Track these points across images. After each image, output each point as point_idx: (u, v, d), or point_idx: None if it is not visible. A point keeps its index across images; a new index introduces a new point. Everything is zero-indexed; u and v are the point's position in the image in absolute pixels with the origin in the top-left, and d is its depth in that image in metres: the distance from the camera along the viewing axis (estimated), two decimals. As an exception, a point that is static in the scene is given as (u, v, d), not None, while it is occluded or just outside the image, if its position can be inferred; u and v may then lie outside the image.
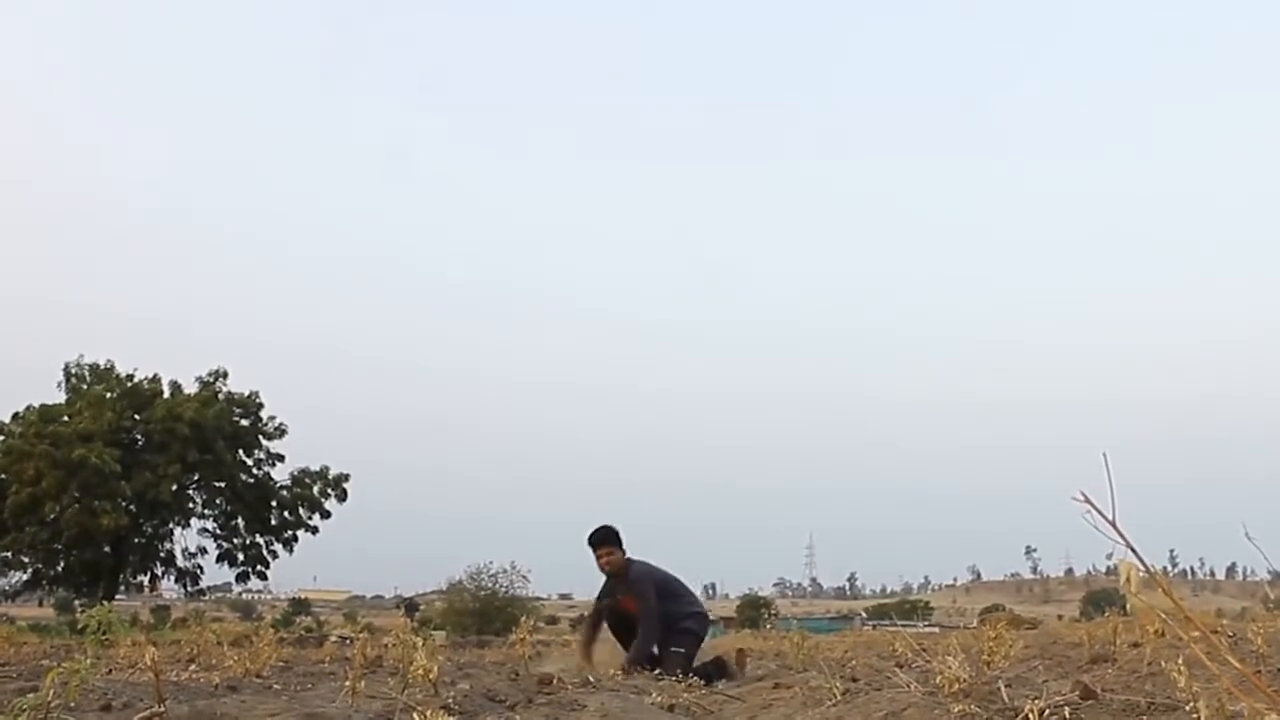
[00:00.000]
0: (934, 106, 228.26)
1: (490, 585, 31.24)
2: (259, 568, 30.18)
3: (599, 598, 7.13)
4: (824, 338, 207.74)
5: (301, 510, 29.85)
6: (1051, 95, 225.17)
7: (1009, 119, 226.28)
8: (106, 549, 27.30)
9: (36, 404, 27.61)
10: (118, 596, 29.62)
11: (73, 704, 3.33)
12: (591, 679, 5.32)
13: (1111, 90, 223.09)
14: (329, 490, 30.01)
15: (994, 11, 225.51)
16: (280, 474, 30.09)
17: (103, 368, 28.87)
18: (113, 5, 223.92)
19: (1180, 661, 2.70)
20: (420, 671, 3.98)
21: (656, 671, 6.16)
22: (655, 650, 6.62)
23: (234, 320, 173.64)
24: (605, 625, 7.10)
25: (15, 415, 27.68)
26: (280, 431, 29.88)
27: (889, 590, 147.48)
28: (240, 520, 29.80)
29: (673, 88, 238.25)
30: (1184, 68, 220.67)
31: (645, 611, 6.65)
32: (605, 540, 6.84)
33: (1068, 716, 2.94)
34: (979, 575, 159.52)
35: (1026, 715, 2.74)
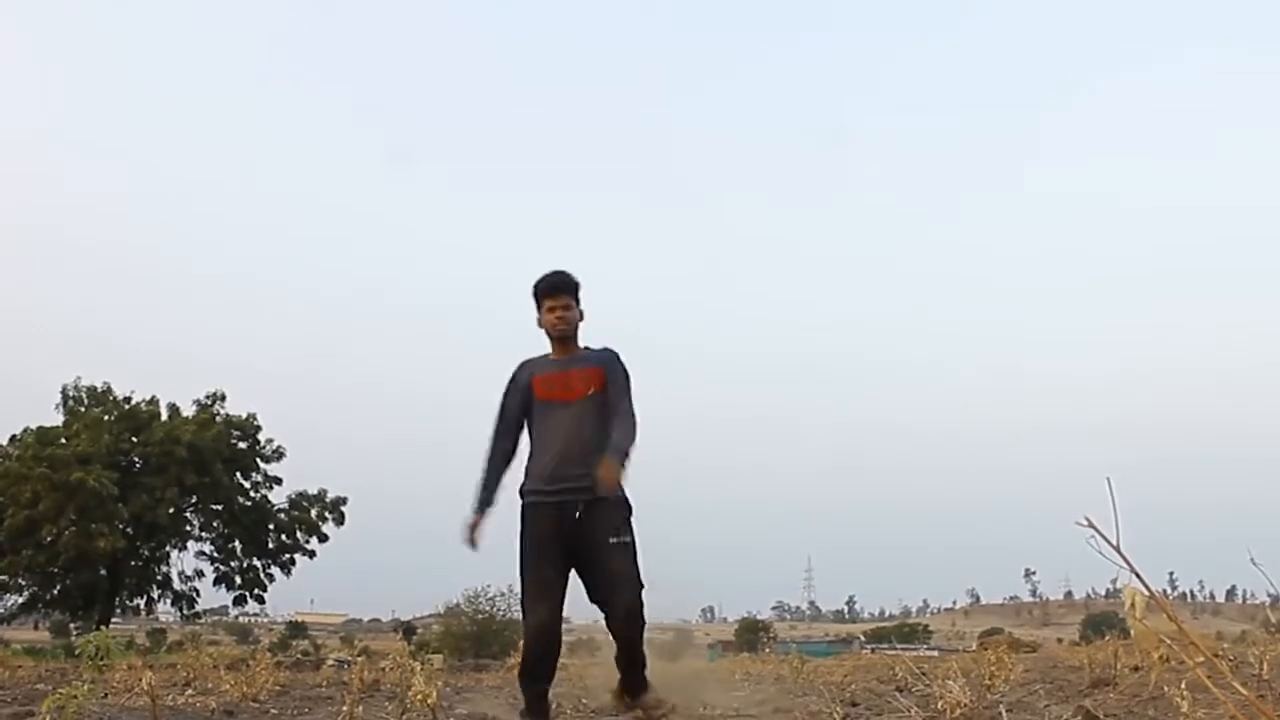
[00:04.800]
0: (928, 124, 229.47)
1: (488, 608, 31.02)
2: (256, 591, 29.99)
3: (510, 385, 4.48)
4: (824, 363, 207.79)
5: (299, 533, 29.71)
6: (1063, 124, 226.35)
7: (1004, 142, 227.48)
8: (103, 572, 27.17)
9: (34, 426, 27.55)
10: (114, 620, 29.41)
11: (69, 729, 3.31)
12: (586, 702, 5.28)
13: (1113, 117, 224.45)
14: (327, 513, 29.89)
15: (1037, 27, 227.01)
16: (278, 497, 29.99)
17: (100, 390, 28.78)
18: (116, 17, 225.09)
19: (1183, 686, 2.70)
20: (419, 696, 3.96)
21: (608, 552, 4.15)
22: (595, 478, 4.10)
23: (232, 343, 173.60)
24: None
25: (12, 438, 27.59)
26: (278, 454, 29.80)
27: (888, 613, 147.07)
28: (237, 543, 29.63)
29: (681, 116, 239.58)
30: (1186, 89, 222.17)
31: (625, 409, 4.34)
32: (566, 288, 4.43)
33: (1070, 741, 2.93)
34: (978, 598, 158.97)
35: (1028, 740, 2.73)
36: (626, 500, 4.27)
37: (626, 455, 4.19)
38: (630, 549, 4.22)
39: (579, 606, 4.24)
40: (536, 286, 4.40)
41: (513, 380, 4.45)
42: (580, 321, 4.44)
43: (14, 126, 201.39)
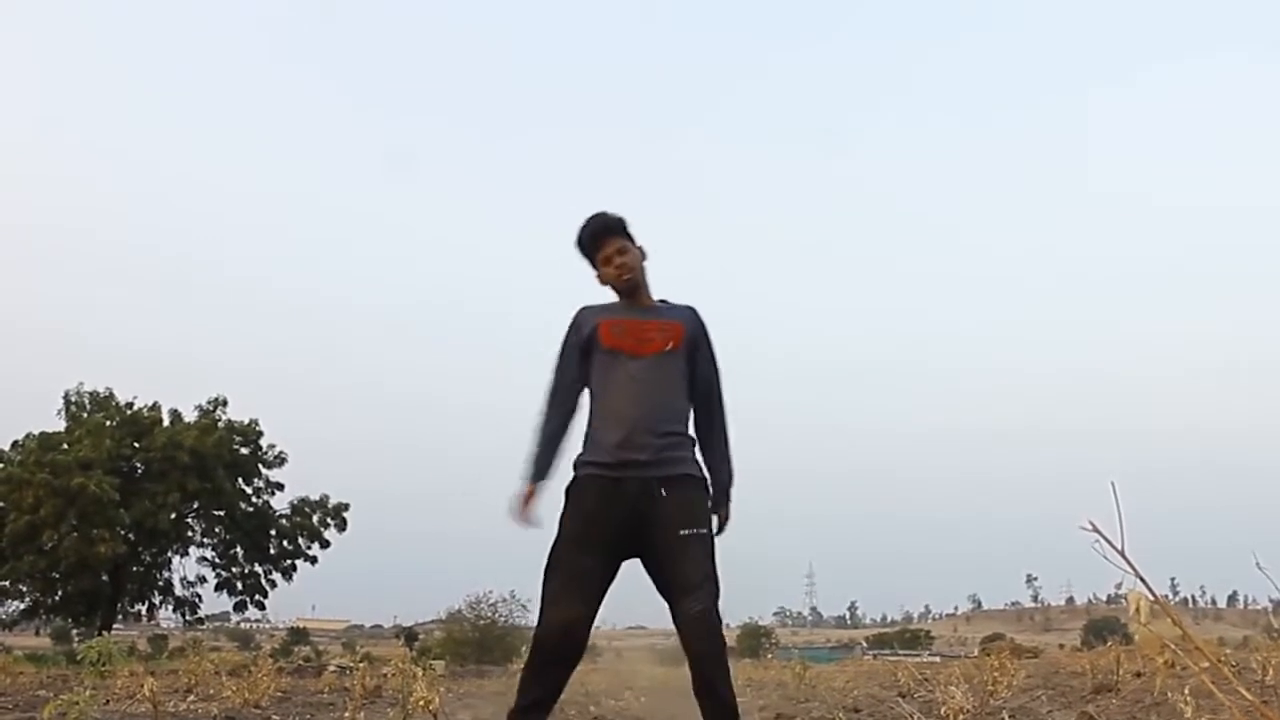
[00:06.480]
0: (928, 125, 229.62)
1: (489, 615, 31.06)
2: (257, 597, 30.04)
3: (569, 332, 3.56)
4: (826, 367, 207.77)
5: (301, 539, 29.76)
6: (1068, 125, 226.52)
7: (997, 145, 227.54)
8: (104, 578, 27.16)
9: (36, 432, 27.59)
10: (115, 626, 29.41)
11: (71, 735, 3.31)
12: (592, 709, 5.27)
13: (1117, 116, 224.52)
14: (328, 519, 29.93)
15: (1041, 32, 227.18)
16: (279, 503, 30.08)
17: (102, 396, 28.85)
18: (116, 16, 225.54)
19: (1186, 691, 2.69)
20: (420, 702, 3.95)
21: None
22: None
23: (233, 348, 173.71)
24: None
25: (14, 443, 27.65)
26: (280, 460, 29.86)
27: (890, 619, 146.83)
28: (239, 549, 29.69)
29: (687, 121, 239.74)
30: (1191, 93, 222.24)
31: (723, 419, 3.66)
32: (613, 229, 3.55)
33: (1073, 747, 2.92)
34: (980, 604, 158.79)
35: (1031, 746, 2.72)
36: (705, 479, 3.51)
37: (728, 480, 3.61)
38: (707, 542, 3.38)
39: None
40: (580, 239, 3.58)
41: (573, 326, 3.56)
42: (644, 261, 3.59)
43: (14, 126, 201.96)
